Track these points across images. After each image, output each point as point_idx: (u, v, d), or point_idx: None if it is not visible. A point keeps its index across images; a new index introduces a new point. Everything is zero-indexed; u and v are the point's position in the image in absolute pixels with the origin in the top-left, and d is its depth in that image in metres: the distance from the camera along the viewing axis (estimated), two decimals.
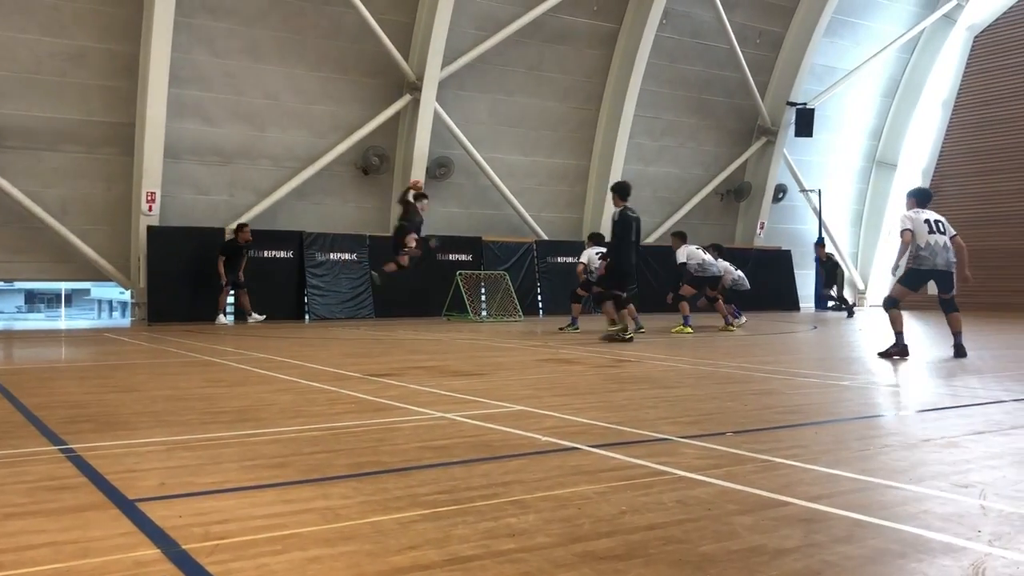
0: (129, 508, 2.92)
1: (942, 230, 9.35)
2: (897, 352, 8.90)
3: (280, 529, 2.65)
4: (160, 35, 15.55)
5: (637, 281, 12.04)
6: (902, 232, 9.32)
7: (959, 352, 8.99)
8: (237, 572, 2.28)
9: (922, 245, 9.16)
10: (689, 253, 14.26)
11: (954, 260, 9.33)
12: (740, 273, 15.21)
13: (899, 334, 9.05)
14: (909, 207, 9.61)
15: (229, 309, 16.76)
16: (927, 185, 24.74)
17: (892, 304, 9.30)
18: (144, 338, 12.21)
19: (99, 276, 17.04)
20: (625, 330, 11.28)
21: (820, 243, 20.03)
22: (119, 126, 16.24)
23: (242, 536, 2.58)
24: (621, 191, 11.58)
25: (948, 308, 9.43)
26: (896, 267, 9.70)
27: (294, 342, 11.26)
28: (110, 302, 58.95)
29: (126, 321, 21.21)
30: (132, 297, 17.31)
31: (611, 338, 11.13)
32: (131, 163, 16.35)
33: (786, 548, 2.46)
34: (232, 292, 16.33)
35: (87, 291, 60.20)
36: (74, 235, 15.94)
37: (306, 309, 17.24)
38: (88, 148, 16.18)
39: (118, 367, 8.23)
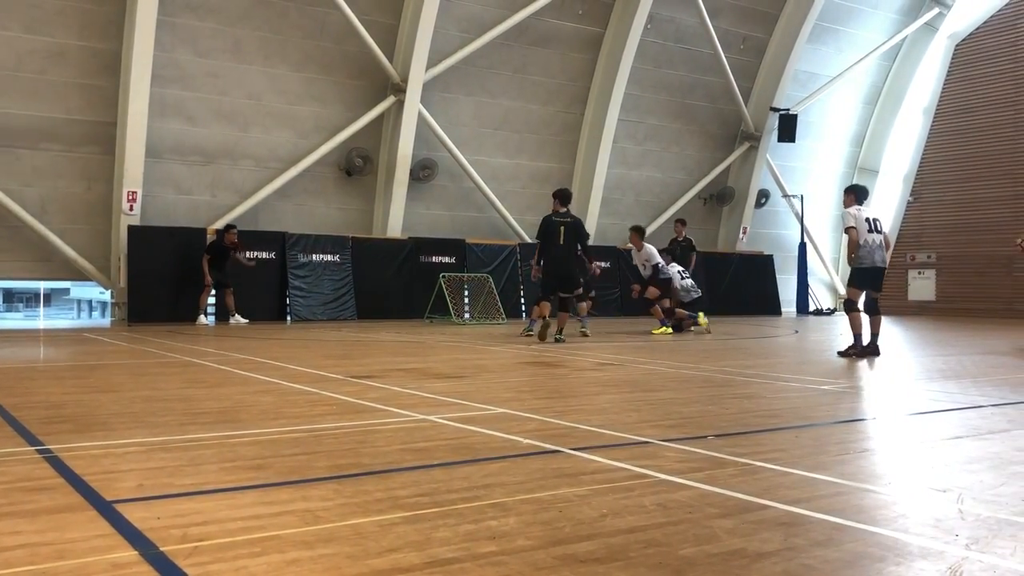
0: (107, 509, 2.89)
1: (879, 228, 9.62)
2: (856, 352, 9.38)
3: (259, 531, 2.64)
4: (143, 33, 15.46)
5: (570, 284, 11.83)
6: (847, 230, 9.62)
7: (874, 351, 9.55)
8: (215, 574, 2.26)
9: (861, 243, 9.46)
10: (654, 253, 14.32)
11: (886, 259, 9.71)
12: (690, 282, 14.79)
13: (857, 336, 9.47)
14: (848, 204, 9.78)
15: (211, 310, 16.68)
16: (909, 192, 25.00)
17: (850, 307, 9.73)
18: (124, 338, 12.12)
19: (79, 276, 16.92)
20: (530, 330, 12.31)
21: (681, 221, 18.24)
22: (100, 125, 16.13)
23: (221, 538, 2.57)
24: (560, 197, 12.01)
25: (873, 309, 9.78)
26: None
27: (275, 343, 11.22)
28: (90, 302, 58.51)
29: (106, 321, 21.05)
30: (112, 297, 17.19)
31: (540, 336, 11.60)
32: (112, 162, 16.24)
33: (766, 551, 2.47)
34: (215, 292, 16.25)
35: (67, 291, 59.73)
36: (54, 234, 15.82)
37: (288, 310, 17.17)
38: (68, 147, 16.06)
39: (97, 367, 8.16)
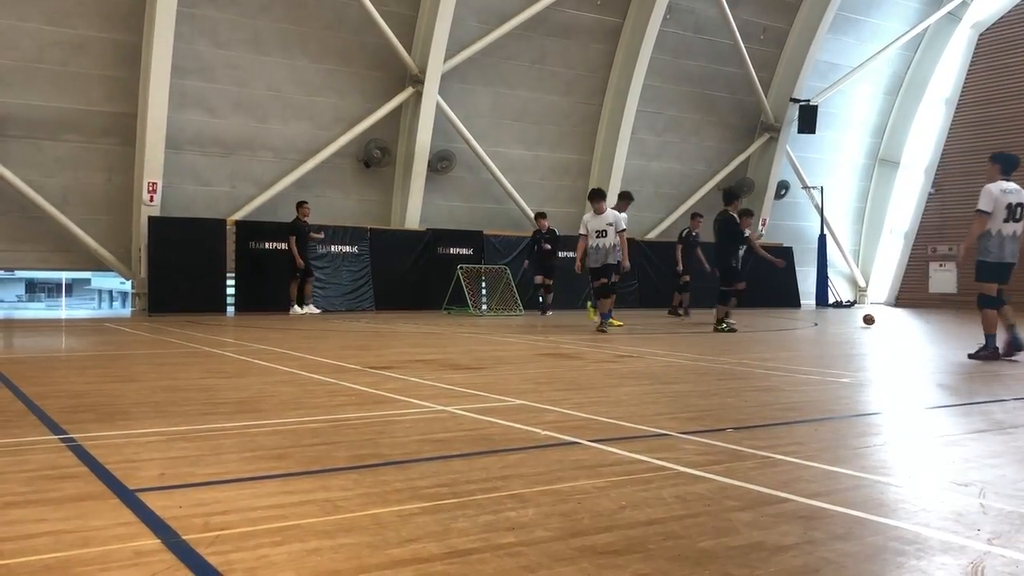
0: (129, 498, 2.92)
1: (1019, 216, 8.12)
2: (987, 354, 8.16)
3: (280, 520, 2.65)
4: (163, 25, 15.53)
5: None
6: (977, 212, 8.14)
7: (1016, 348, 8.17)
8: (237, 563, 2.28)
9: (993, 233, 8.22)
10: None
11: (1016, 252, 8.26)
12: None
13: (989, 336, 8.22)
14: (991, 177, 8.34)
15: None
16: (930, 184, 24.72)
17: (984, 302, 8.39)
18: (144, 328, 12.21)
19: (100, 266, 17.05)
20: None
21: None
22: (121, 116, 16.23)
23: (242, 527, 2.59)
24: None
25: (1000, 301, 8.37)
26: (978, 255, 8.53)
27: (294, 334, 11.27)
28: (110, 292, 59.02)
29: (126, 311, 21.22)
30: (133, 287, 17.31)
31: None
32: (132, 153, 16.35)
33: (785, 545, 2.46)
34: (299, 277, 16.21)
35: (88, 281, 60.27)
36: (75, 225, 15.95)
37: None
38: (89, 138, 16.18)
39: (118, 357, 8.23)
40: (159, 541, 2.45)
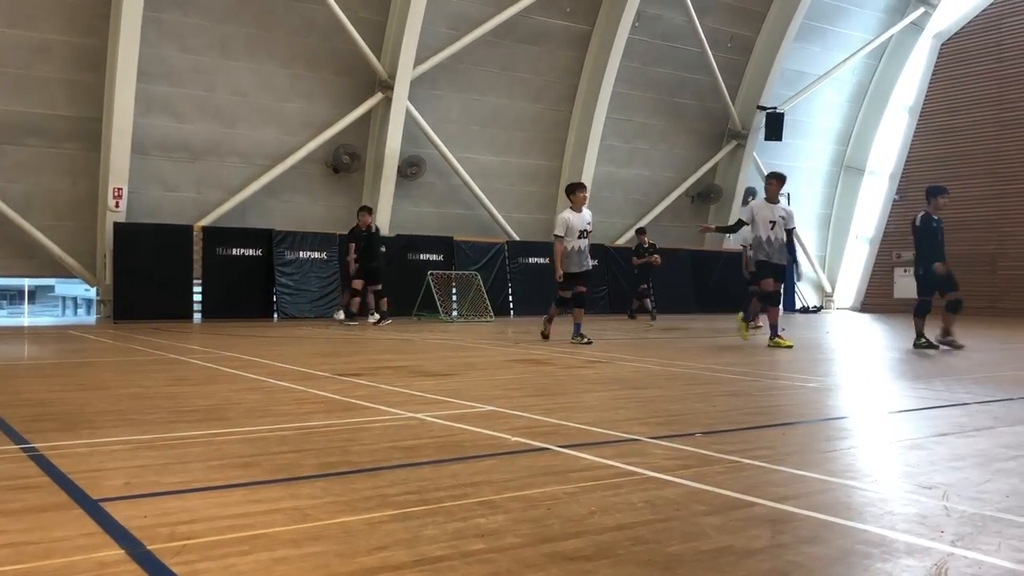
0: (93, 508, 2.88)
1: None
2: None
3: (247, 529, 2.63)
4: (129, 29, 15.37)
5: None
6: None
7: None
8: (204, 572, 2.25)
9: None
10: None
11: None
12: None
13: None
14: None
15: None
16: (895, 190, 25.08)
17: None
18: (110, 336, 12.06)
19: (64, 272, 16.81)
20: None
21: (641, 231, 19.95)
22: (85, 121, 16.03)
23: (209, 536, 2.56)
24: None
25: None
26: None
27: (262, 341, 11.18)
28: (75, 299, 58.13)
29: (91, 319, 20.93)
30: (98, 294, 17.08)
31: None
32: (97, 158, 16.14)
33: (754, 548, 2.48)
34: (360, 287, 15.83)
35: (51, 288, 59.34)
36: (38, 231, 15.71)
37: (274, 308, 17.10)
38: (53, 142, 15.95)
39: (83, 365, 8.12)
40: (123, 551, 2.41)
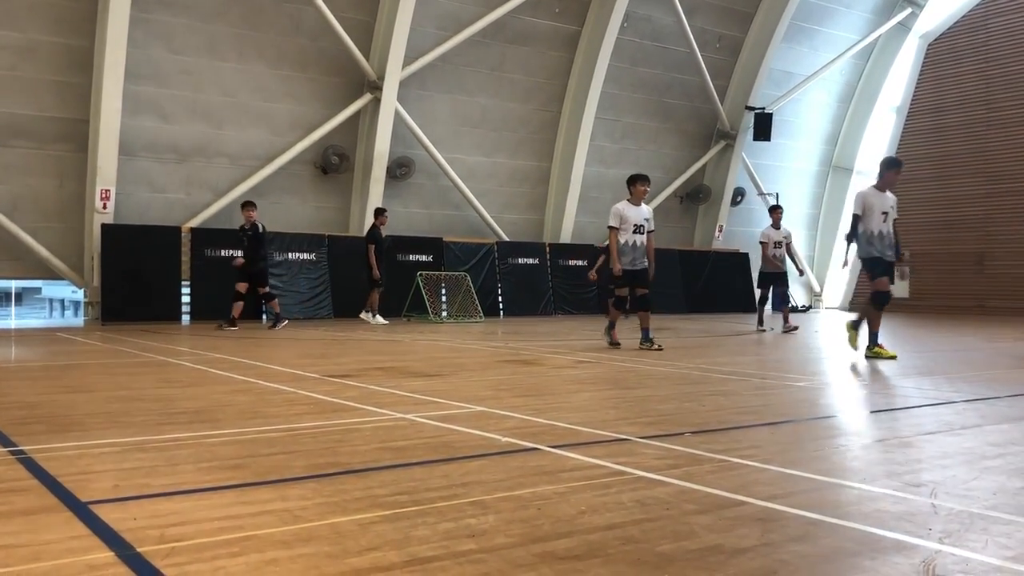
0: (82, 511, 2.87)
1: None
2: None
3: (237, 531, 2.63)
4: (116, 30, 15.30)
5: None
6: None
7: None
8: (193, 575, 2.25)
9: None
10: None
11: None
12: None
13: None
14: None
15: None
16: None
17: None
18: (98, 338, 12.01)
19: (51, 274, 16.71)
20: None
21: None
22: (72, 122, 15.95)
23: (198, 538, 2.55)
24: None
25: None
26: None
27: (251, 342, 11.15)
28: (62, 301, 57.84)
29: (79, 320, 20.83)
30: (85, 296, 17.00)
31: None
32: (85, 160, 16.06)
33: (743, 547, 2.49)
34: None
35: (38, 290, 59.03)
36: (25, 232, 15.62)
37: (263, 309, 17.04)
38: (40, 144, 15.86)
39: (71, 367, 8.08)
40: (113, 554, 2.41)
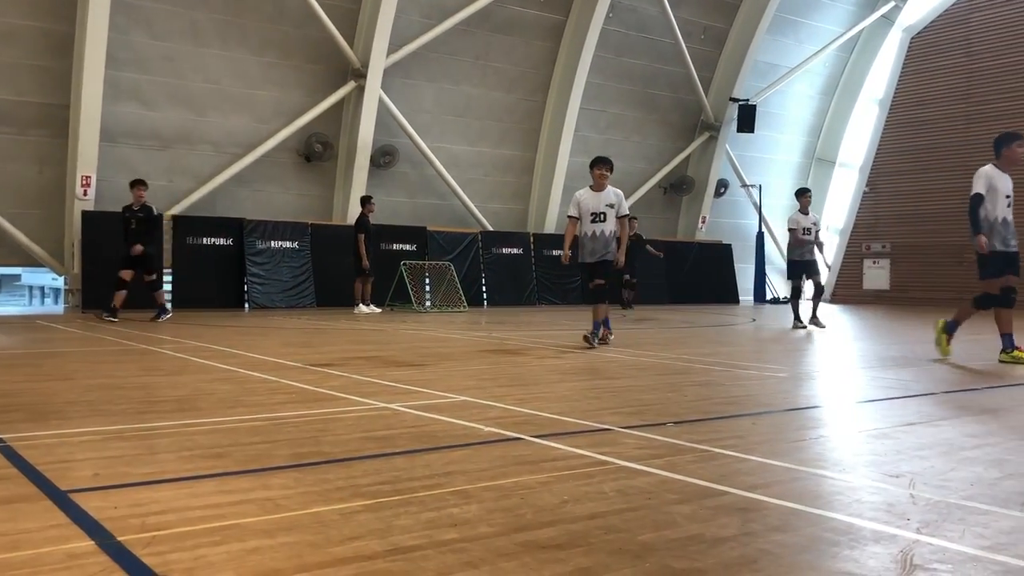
0: (62, 499, 2.85)
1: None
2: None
3: (219, 520, 2.62)
4: (97, 15, 15.15)
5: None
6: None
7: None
8: (175, 563, 2.24)
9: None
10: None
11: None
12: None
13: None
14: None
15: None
16: (865, 182, 25.39)
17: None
18: (78, 326, 11.92)
19: (31, 262, 16.57)
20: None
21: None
22: (52, 107, 15.79)
23: (180, 527, 2.55)
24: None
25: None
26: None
27: (233, 331, 11.10)
28: (42, 288, 57.37)
29: (59, 308, 20.67)
30: (66, 284, 16.87)
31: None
32: (65, 146, 15.92)
33: (723, 537, 2.50)
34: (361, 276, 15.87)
35: (17, 276, 58.50)
36: (4, 219, 15.48)
37: (245, 298, 16.99)
38: (20, 129, 15.70)
39: (51, 355, 8.02)
40: (93, 543, 2.39)
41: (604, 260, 9.21)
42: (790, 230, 13.14)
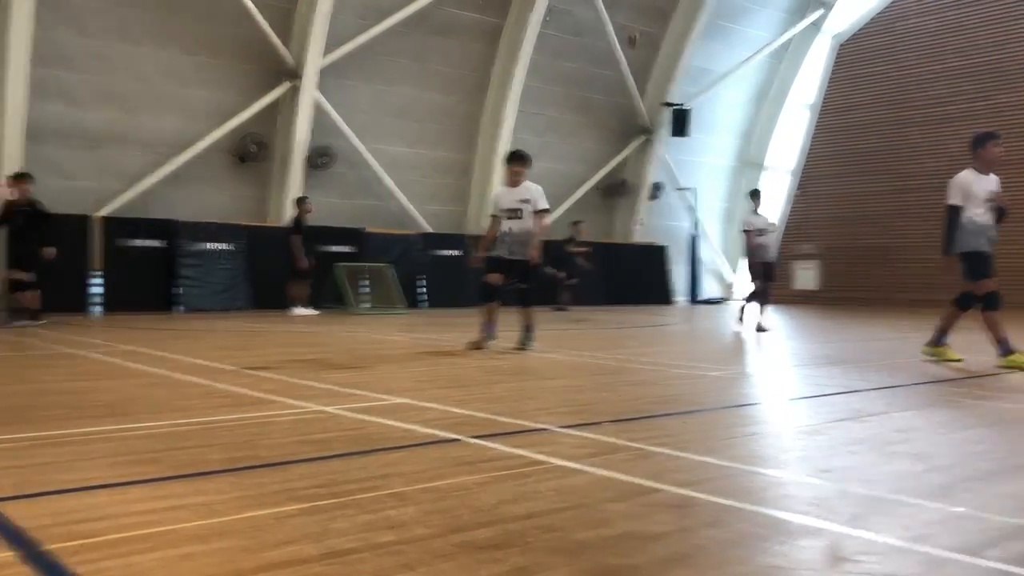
0: None
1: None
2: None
3: (152, 526, 2.57)
4: (21, 11, 14.72)
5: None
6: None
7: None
8: (106, 571, 2.20)
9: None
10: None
11: None
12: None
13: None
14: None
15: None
16: (796, 185, 25.95)
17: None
18: (1, 330, 11.55)
19: None
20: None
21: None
22: None
23: (110, 534, 2.49)
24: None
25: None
26: None
27: (166, 334, 10.88)
28: None
29: None
30: None
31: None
32: None
33: (658, 533, 2.54)
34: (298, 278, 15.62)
35: None
36: None
37: (177, 300, 16.65)
38: None
39: None
40: (16, 553, 2.33)
41: (522, 259, 8.83)
42: (744, 232, 12.92)
